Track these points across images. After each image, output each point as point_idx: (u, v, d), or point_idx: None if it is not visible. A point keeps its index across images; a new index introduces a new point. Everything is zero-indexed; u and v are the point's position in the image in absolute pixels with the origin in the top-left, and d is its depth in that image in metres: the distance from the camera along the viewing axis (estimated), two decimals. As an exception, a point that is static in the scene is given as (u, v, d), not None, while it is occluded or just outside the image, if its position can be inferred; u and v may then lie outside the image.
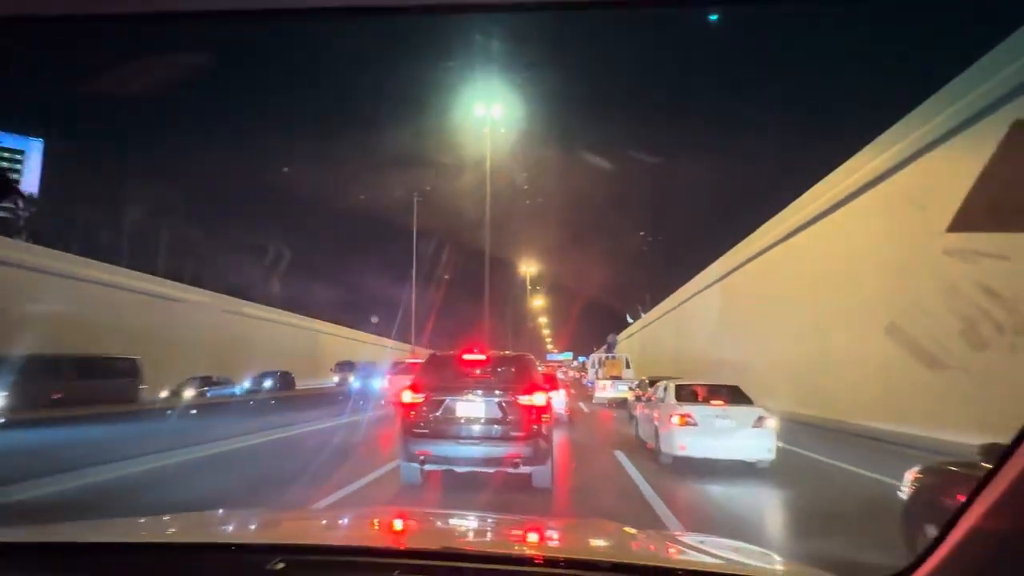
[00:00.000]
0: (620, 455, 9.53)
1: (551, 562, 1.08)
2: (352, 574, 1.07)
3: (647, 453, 9.48)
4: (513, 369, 7.05)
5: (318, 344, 43.38)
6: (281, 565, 0.96)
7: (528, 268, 55.68)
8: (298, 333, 40.74)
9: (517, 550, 1.34)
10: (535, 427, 6.25)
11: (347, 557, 1.10)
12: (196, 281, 32.26)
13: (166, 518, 1.91)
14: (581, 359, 56.81)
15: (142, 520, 1.83)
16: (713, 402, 8.67)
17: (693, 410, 8.26)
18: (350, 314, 49.38)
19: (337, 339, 47.14)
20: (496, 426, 6.32)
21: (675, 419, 8.12)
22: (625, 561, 1.17)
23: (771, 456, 7.83)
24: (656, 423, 8.92)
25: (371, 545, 1.30)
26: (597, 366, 25.29)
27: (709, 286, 28.81)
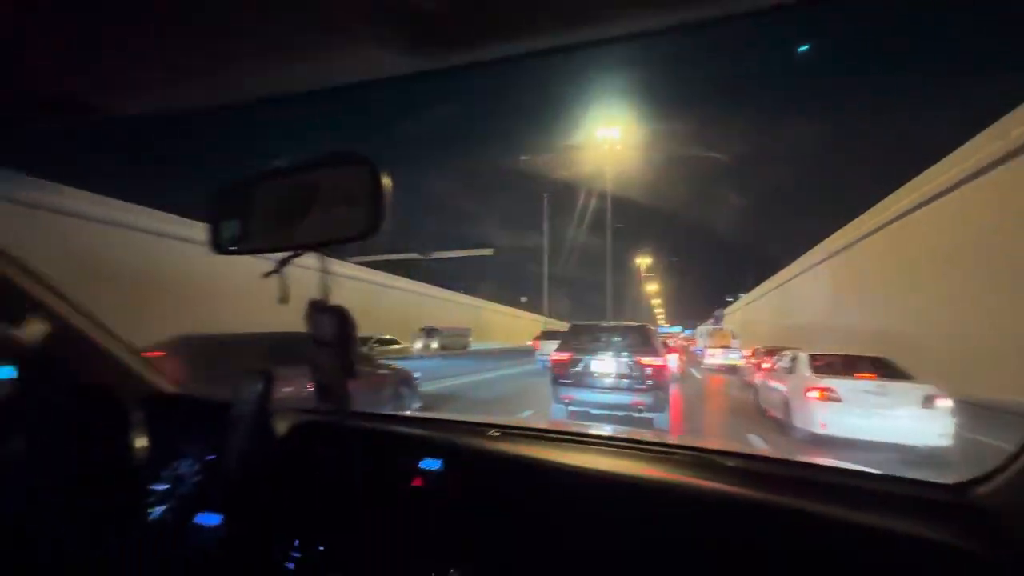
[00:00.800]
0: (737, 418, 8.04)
1: (722, 452, 0.92)
2: (546, 443, 0.98)
3: (770, 422, 7.48)
4: (637, 336, 6.99)
5: (480, 316, 45.51)
6: (497, 434, 0.99)
7: (643, 257, 53.99)
8: (462, 308, 42.30)
9: (689, 442, 1.05)
10: (655, 381, 6.32)
11: (545, 434, 1.06)
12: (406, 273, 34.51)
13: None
14: (687, 332, 53.49)
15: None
16: (859, 375, 6.22)
17: (837, 384, 5.97)
18: (497, 292, 51.12)
19: (493, 314, 48.50)
20: (624, 379, 6.44)
21: (813, 393, 5.97)
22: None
23: (946, 443, 5.41)
24: (787, 395, 6.81)
25: (563, 429, 1.15)
26: (705, 337, 23.55)
27: (823, 260, 24.33)
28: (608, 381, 6.53)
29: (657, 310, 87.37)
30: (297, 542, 0.65)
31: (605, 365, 6.60)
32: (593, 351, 6.79)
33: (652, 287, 70.94)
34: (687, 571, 0.62)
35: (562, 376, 6.82)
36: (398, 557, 0.63)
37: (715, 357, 19.87)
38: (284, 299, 0.53)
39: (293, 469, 0.77)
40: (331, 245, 0.49)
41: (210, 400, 0.86)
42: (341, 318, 0.54)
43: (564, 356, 6.91)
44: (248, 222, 0.55)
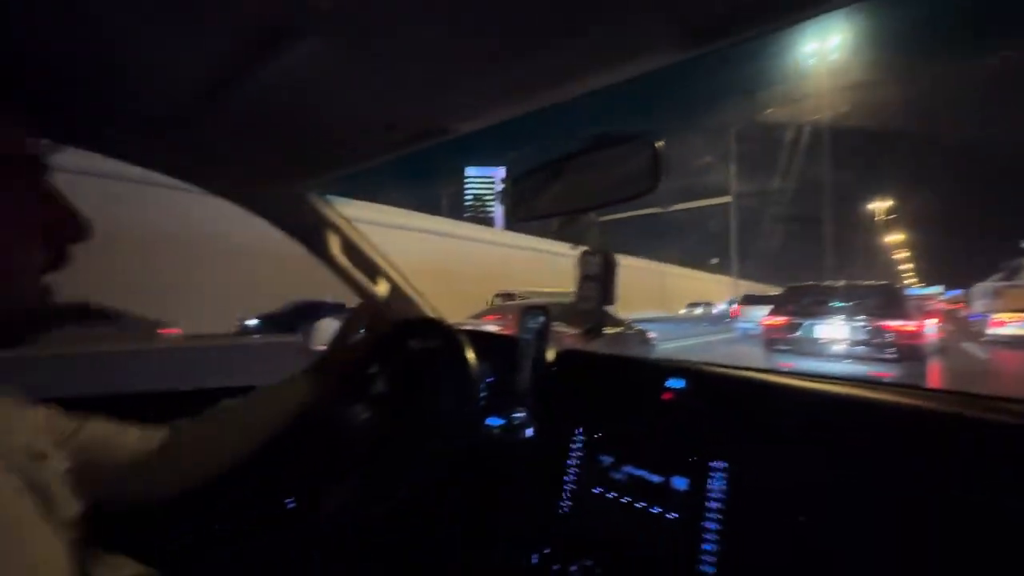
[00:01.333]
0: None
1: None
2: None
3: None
4: (879, 296, 5.95)
5: (664, 283, 43.48)
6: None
7: (882, 199, 42.82)
8: (649, 275, 40.85)
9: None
10: (905, 349, 5.30)
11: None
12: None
13: None
14: (950, 293, 40.81)
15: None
16: None
17: None
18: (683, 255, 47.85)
19: (679, 279, 46.00)
20: (861, 347, 5.50)
21: None
22: None
23: None
24: None
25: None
26: (989, 297, 16.78)
27: None
28: (839, 348, 5.76)
29: (904, 267, 69.11)
30: (580, 428, 0.88)
31: (834, 330, 5.80)
32: (818, 314, 6.02)
33: (895, 237, 56.37)
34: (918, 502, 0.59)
35: (779, 342, 6.32)
36: (656, 452, 0.80)
37: (1003, 327, 13.91)
38: (572, 245, 0.75)
39: (562, 385, 1.01)
40: (611, 205, 0.67)
41: (502, 335, 1.18)
42: (605, 260, 0.73)
43: (780, 320, 6.32)
44: (538, 197, 0.78)
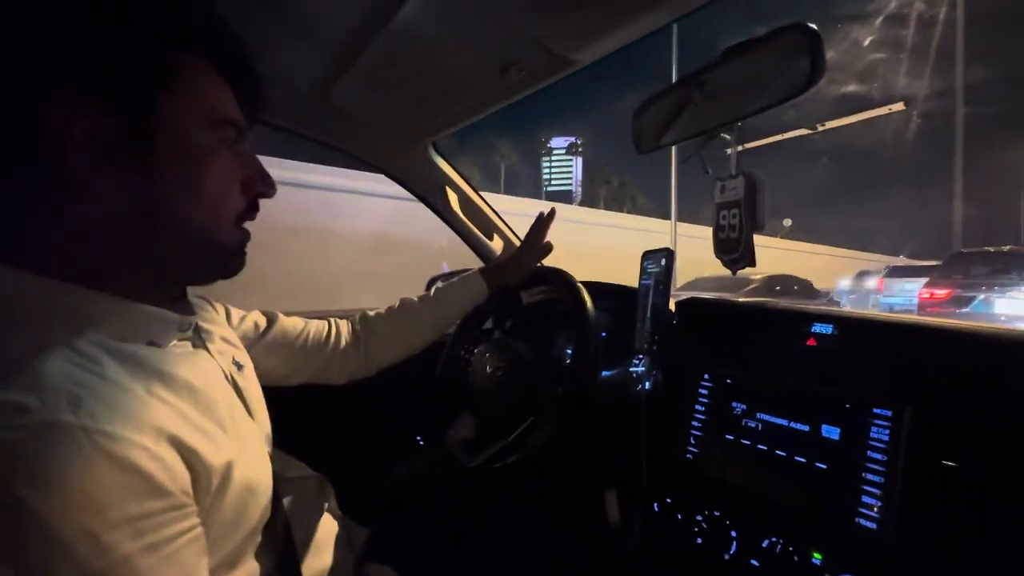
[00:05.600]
0: None
1: None
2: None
3: None
4: None
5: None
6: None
7: None
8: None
9: None
10: None
11: None
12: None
13: None
14: None
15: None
16: None
17: None
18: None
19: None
20: None
21: None
22: None
23: None
24: None
25: None
26: None
27: None
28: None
29: None
30: (707, 375, 0.82)
31: (1019, 306, 4.70)
32: (993, 285, 4.93)
33: None
34: None
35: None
36: (800, 399, 0.72)
37: None
38: (704, 170, 0.68)
39: (685, 334, 0.95)
40: (763, 111, 0.60)
41: (624, 286, 1.14)
42: (748, 180, 0.65)
43: (943, 293, 5.23)
44: (665, 125, 0.72)
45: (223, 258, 0.48)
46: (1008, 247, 5.66)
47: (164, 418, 0.38)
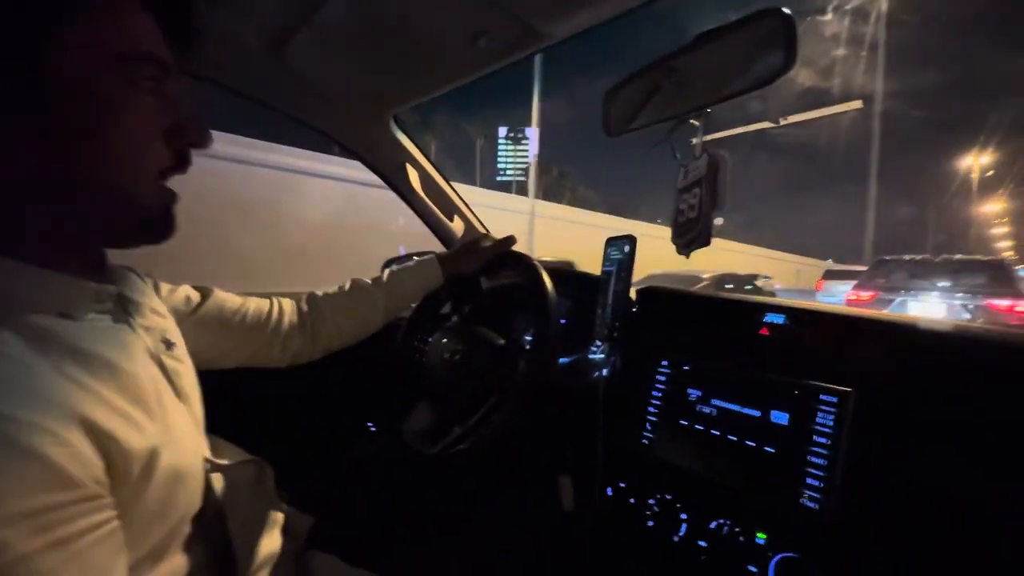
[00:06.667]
0: None
1: None
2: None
3: None
4: (984, 273, 5.32)
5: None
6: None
7: (978, 151, 36.20)
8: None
9: None
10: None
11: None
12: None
13: None
14: None
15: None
16: None
17: None
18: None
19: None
20: None
21: None
22: None
23: None
24: None
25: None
26: None
27: None
28: None
29: (1003, 243, 54.82)
30: (665, 362, 0.83)
31: (930, 309, 5.14)
32: (910, 290, 5.37)
33: (993, 206, 47.21)
34: None
35: None
36: (751, 386, 0.74)
37: None
38: (673, 155, 0.68)
39: (644, 321, 0.95)
40: (733, 97, 0.59)
41: (585, 273, 1.13)
42: (711, 160, 0.65)
43: (866, 296, 5.64)
44: (641, 106, 0.71)
45: (144, 222, 0.41)
46: (922, 256, 6.21)
47: (75, 399, 0.33)
